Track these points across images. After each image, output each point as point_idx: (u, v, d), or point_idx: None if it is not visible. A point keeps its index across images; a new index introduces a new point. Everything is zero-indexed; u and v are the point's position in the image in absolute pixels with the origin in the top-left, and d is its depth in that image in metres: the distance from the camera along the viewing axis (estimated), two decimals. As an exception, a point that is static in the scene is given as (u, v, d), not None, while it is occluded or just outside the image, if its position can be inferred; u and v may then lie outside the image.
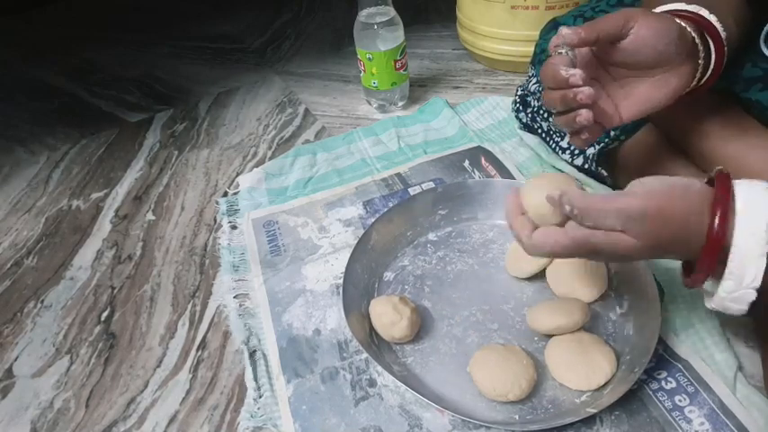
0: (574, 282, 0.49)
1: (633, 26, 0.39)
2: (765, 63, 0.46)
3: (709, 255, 0.32)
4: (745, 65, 0.46)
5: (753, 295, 0.31)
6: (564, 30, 0.39)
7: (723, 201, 0.31)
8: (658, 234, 0.33)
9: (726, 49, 0.41)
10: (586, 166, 0.60)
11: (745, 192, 0.31)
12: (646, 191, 0.33)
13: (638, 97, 0.42)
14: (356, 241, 0.54)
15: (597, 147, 0.58)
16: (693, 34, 0.40)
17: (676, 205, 0.33)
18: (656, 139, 0.54)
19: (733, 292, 0.31)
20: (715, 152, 0.48)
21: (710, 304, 0.34)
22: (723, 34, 0.41)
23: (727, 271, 0.31)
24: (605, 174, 0.59)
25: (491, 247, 0.56)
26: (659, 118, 0.53)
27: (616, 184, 0.60)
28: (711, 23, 0.40)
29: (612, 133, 0.56)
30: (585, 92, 0.38)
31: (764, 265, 0.30)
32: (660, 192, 0.33)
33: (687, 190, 0.33)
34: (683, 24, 0.40)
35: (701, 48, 0.41)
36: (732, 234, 0.31)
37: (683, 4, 0.42)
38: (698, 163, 0.51)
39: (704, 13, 0.41)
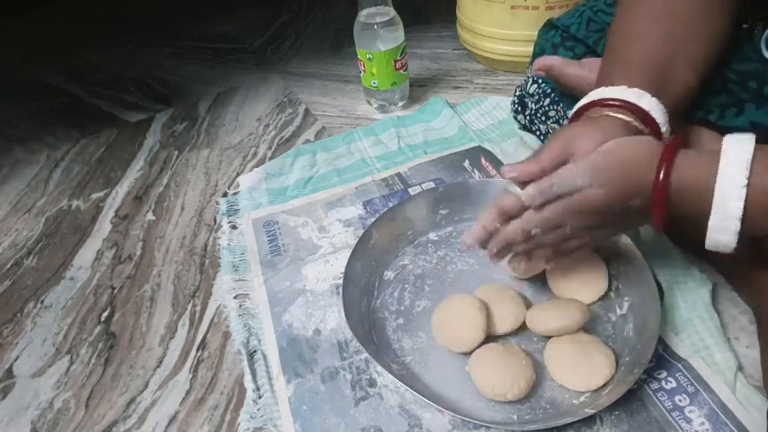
0: (574, 282, 0.49)
1: (574, 155, 0.40)
2: (735, 85, 0.45)
3: (658, 194, 0.37)
4: (719, 91, 0.46)
5: (736, 225, 0.34)
6: (509, 172, 0.42)
7: (669, 151, 0.36)
8: (619, 179, 0.38)
9: (663, 133, 0.42)
10: None
11: (731, 138, 0.35)
12: (602, 149, 0.39)
13: None
14: (356, 241, 0.54)
15: None
16: (636, 123, 0.41)
17: (629, 152, 0.38)
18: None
19: (719, 223, 0.35)
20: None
21: (707, 243, 0.37)
22: (662, 122, 0.41)
23: (714, 203, 0.35)
24: None
25: None
26: None
27: None
28: (649, 116, 0.41)
29: None
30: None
31: (744, 197, 0.33)
32: (615, 145, 0.39)
33: (636, 140, 0.39)
34: (625, 120, 0.41)
35: (647, 130, 0.42)
36: (678, 179, 0.36)
37: (624, 88, 0.42)
38: None
39: (644, 102, 0.41)
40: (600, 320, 0.48)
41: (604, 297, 0.49)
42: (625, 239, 0.50)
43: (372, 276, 0.54)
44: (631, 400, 0.42)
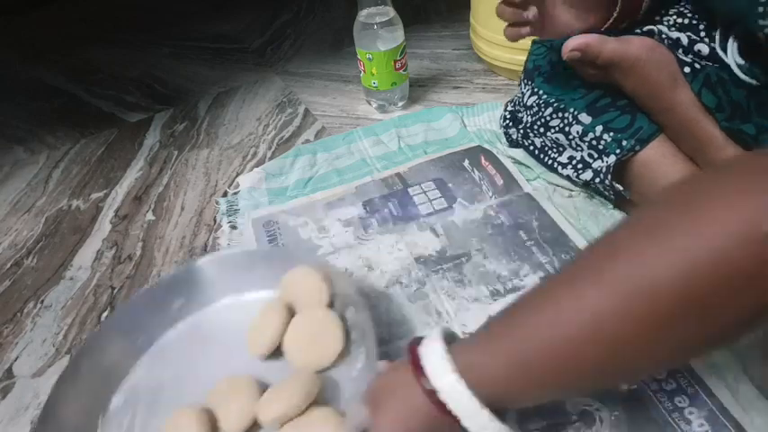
0: (307, 348, 0.46)
1: None
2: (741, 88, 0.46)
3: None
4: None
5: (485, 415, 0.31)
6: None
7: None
8: None
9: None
10: (597, 180, 0.55)
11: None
12: None
13: (561, 21, 0.53)
14: (64, 371, 0.45)
15: (606, 159, 0.54)
16: None
17: None
18: (672, 149, 0.52)
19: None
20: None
21: None
22: None
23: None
24: (621, 188, 0.54)
25: (237, 328, 0.50)
26: (671, 130, 0.51)
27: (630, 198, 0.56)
28: None
29: (625, 143, 0.52)
30: (532, 12, 0.54)
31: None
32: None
33: None
34: None
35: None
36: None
37: None
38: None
39: None
40: (339, 383, 0.45)
41: (345, 353, 0.46)
42: (345, 281, 0.48)
43: (92, 412, 0.45)
44: (631, 400, 0.42)
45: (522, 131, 0.65)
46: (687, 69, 0.48)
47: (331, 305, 0.49)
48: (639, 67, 0.49)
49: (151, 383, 0.48)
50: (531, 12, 0.54)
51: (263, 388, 0.44)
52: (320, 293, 0.48)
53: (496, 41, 0.84)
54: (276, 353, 0.47)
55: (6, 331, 0.57)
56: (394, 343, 0.48)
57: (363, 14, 0.76)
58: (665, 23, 0.51)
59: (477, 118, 0.78)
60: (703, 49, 0.48)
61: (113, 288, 0.60)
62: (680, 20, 0.51)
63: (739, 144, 0.47)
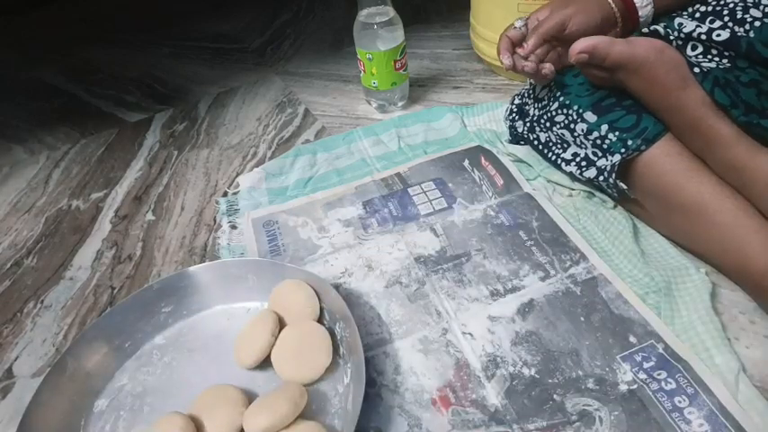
0: (295, 361, 0.46)
1: (569, 24, 0.55)
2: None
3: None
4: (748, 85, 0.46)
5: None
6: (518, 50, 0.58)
7: None
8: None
9: (640, 17, 0.55)
10: (601, 178, 0.55)
11: None
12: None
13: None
14: (47, 375, 0.45)
15: (611, 158, 0.54)
16: (617, 15, 0.54)
17: None
18: (679, 148, 0.51)
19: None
20: (741, 161, 0.47)
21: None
22: (641, 12, 0.55)
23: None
24: (625, 187, 0.53)
25: (225, 337, 0.50)
26: (678, 129, 0.51)
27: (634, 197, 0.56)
28: (635, 6, 0.54)
29: (631, 143, 0.52)
30: (548, 67, 0.56)
31: None
32: None
33: None
34: (611, 7, 0.54)
35: (619, 20, 0.55)
36: None
37: None
38: (721, 173, 0.49)
39: None
40: (326, 397, 0.45)
41: (332, 367, 0.46)
42: (334, 295, 0.48)
43: (75, 415, 0.45)
44: (631, 400, 0.42)
45: (528, 125, 0.65)
46: (696, 70, 0.48)
47: (320, 319, 0.49)
48: (646, 69, 0.49)
49: (136, 389, 0.48)
50: (548, 69, 0.56)
51: (249, 398, 0.44)
52: (310, 307, 0.49)
53: (496, 41, 0.83)
54: (263, 364, 0.47)
55: (6, 331, 0.57)
56: (394, 343, 0.49)
57: (363, 14, 0.76)
58: (685, 14, 0.51)
59: (477, 118, 0.78)
60: (723, 34, 0.47)
61: (113, 288, 0.60)
62: (703, 8, 0.50)
63: (756, 139, 0.47)
